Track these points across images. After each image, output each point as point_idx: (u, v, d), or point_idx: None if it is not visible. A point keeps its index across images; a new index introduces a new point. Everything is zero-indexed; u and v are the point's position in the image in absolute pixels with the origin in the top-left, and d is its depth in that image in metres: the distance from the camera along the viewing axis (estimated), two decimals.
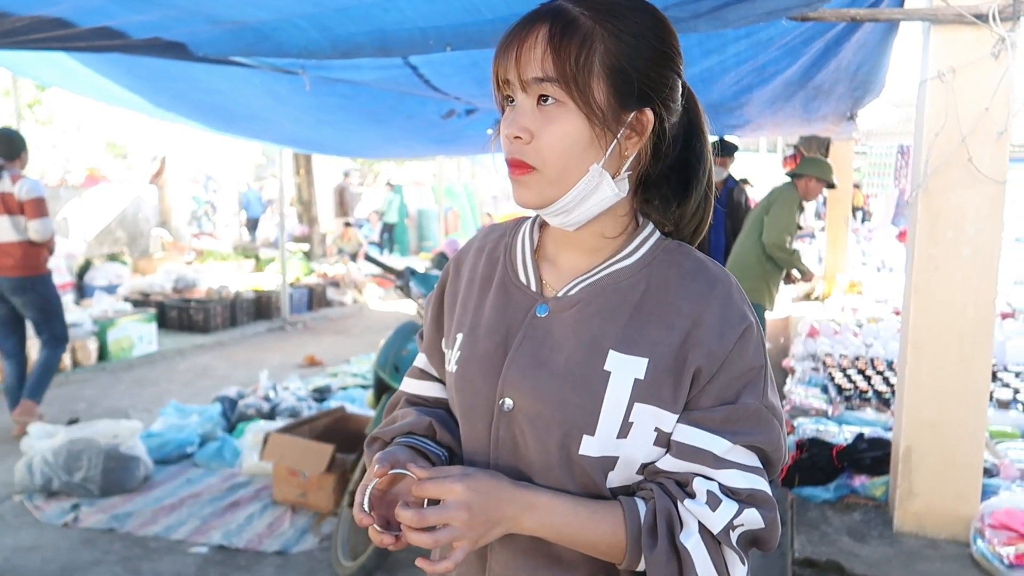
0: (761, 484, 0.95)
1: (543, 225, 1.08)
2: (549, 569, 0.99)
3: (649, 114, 0.95)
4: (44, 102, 13.64)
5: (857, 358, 4.85)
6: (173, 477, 4.34)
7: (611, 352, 0.95)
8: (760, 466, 0.96)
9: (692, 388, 0.95)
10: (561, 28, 0.91)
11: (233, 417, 5.04)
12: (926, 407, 2.67)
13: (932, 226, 2.60)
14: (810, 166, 5.25)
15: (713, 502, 0.92)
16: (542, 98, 0.92)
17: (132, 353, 7.22)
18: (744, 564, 0.95)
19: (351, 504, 3.35)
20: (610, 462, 0.96)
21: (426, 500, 0.93)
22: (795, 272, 5.38)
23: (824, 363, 4.83)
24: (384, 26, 2.61)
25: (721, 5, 2.21)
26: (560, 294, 1.01)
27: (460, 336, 1.06)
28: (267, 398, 5.23)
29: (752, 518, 0.93)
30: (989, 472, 2.95)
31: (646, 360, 0.95)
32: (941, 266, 2.60)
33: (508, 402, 0.98)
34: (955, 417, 2.64)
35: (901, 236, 10.86)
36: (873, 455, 3.01)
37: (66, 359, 6.62)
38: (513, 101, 0.95)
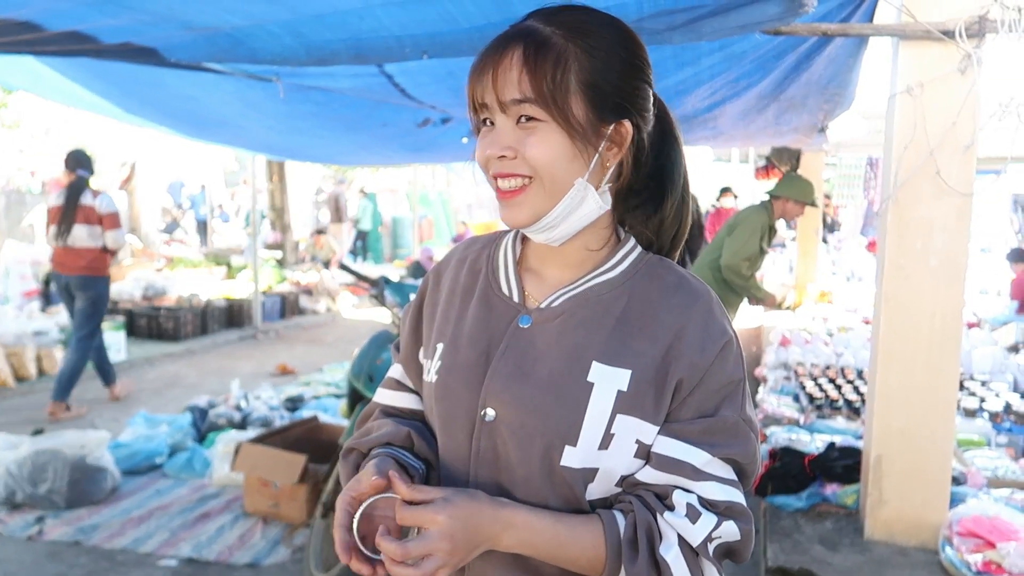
0: (738, 496, 0.97)
1: (525, 238, 1.10)
2: (525, 574, 0.99)
3: (628, 125, 0.98)
4: (11, 105, 13.39)
5: (828, 367, 4.91)
6: (142, 488, 4.26)
7: (594, 363, 0.97)
8: (735, 479, 0.98)
9: (673, 400, 0.97)
10: (535, 49, 0.93)
11: (204, 427, 4.97)
12: (895, 416, 2.71)
13: (901, 237, 2.64)
14: (789, 187, 5.07)
15: (693, 515, 0.94)
16: (522, 118, 0.94)
17: None
18: (720, 575, 0.98)
19: (324, 515, 3.31)
20: (591, 474, 0.97)
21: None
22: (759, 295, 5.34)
23: (796, 372, 4.88)
24: (360, 34, 2.60)
25: (696, 18, 2.23)
26: (543, 305, 1.03)
27: (441, 346, 1.07)
28: (238, 408, 5.17)
29: (730, 530, 0.96)
30: (957, 480, 3.00)
31: (629, 372, 0.96)
32: (910, 276, 2.64)
33: (490, 412, 0.99)
34: (924, 426, 2.68)
35: (871, 246, 11.03)
36: (844, 463, 3.04)
37: (31, 368, 6.49)
38: (490, 123, 0.97)
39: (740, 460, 0.97)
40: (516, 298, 1.05)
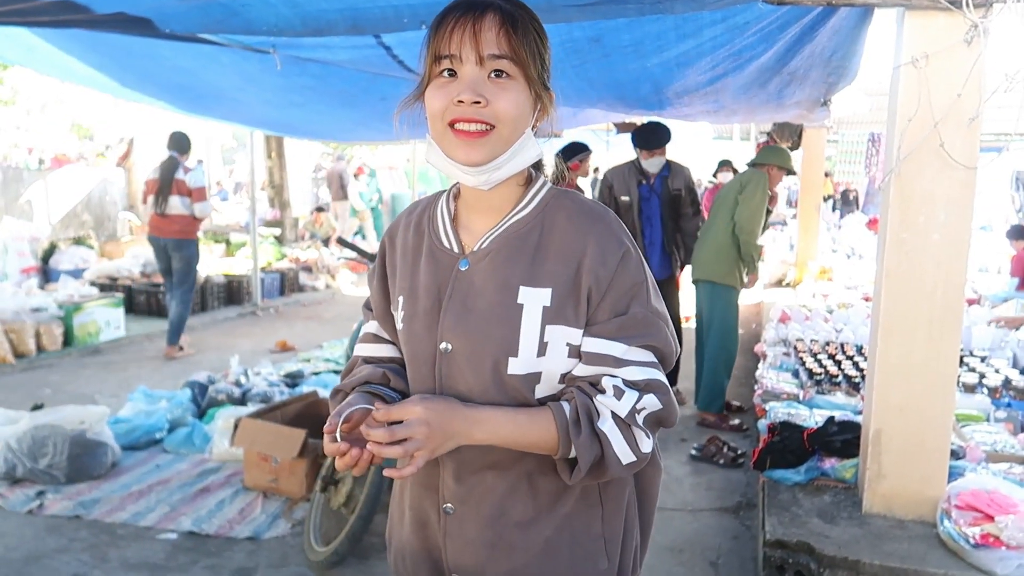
0: (656, 375, 1.17)
1: (456, 196, 1.29)
2: (492, 470, 1.20)
3: (552, 93, 1.21)
4: (6, 81, 13.28)
5: (828, 343, 4.91)
6: (141, 463, 4.27)
7: (521, 288, 1.17)
8: (655, 361, 1.18)
9: (589, 306, 1.17)
10: (511, 16, 1.12)
11: (203, 403, 4.96)
12: (895, 391, 2.71)
13: (904, 211, 2.62)
14: (770, 155, 5.22)
15: (618, 393, 1.15)
16: (494, 73, 1.12)
17: (99, 338, 7.08)
18: (649, 439, 1.17)
19: (324, 489, 3.32)
20: (535, 377, 1.17)
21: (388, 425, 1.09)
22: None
23: (795, 348, 4.88)
24: (357, 3, 2.56)
25: None
26: (476, 248, 1.22)
27: (402, 299, 1.27)
28: (238, 383, 5.16)
29: (651, 401, 1.16)
30: (955, 454, 3.00)
31: (549, 289, 1.16)
32: (912, 251, 2.63)
33: (447, 346, 1.19)
34: (923, 400, 2.68)
35: (871, 224, 11.00)
36: (843, 438, 3.05)
37: (30, 344, 6.49)
38: (452, 74, 1.12)
39: (656, 344, 1.17)
40: (455, 248, 1.23)
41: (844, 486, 2.99)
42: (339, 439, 1.12)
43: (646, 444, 1.17)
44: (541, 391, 1.18)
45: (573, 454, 1.14)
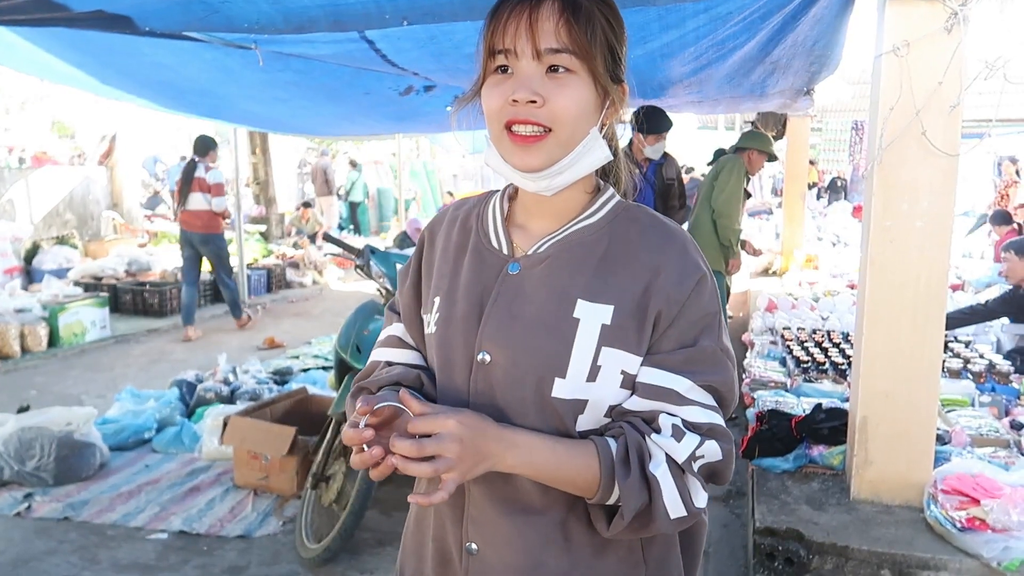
0: (719, 420, 1.03)
1: (512, 197, 1.16)
2: (523, 515, 1.05)
3: (626, 87, 1.08)
4: None
5: (814, 331, 4.94)
6: (130, 463, 4.25)
7: (579, 301, 1.03)
8: (716, 404, 1.04)
9: (654, 332, 1.03)
10: (572, 3, 0.99)
11: (192, 402, 4.94)
12: (881, 377, 2.73)
13: (887, 199, 2.64)
14: (751, 139, 5.33)
15: (678, 435, 1.00)
16: (553, 67, 1.00)
17: (84, 338, 7.04)
18: (705, 492, 1.03)
19: (314, 486, 3.32)
20: (580, 405, 1.02)
21: (417, 436, 0.96)
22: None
23: (782, 336, 4.91)
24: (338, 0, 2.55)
25: None
26: (530, 252, 1.09)
27: (438, 300, 1.12)
28: (226, 381, 5.14)
29: (712, 449, 1.01)
30: (941, 439, 3.04)
31: (612, 307, 1.02)
32: (896, 239, 2.65)
33: (485, 356, 1.05)
34: (909, 386, 2.71)
35: (856, 211, 11.07)
36: (830, 425, 3.07)
37: (15, 345, 6.43)
38: (507, 70, 1.01)
39: (719, 388, 1.03)
40: (505, 249, 1.10)
41: (832, 473, 3.01)
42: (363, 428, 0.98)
43: (700, 498, 1.02)
44: (584, 423, 1.03)
45: (612, 500, 1.00)
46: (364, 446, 0.95)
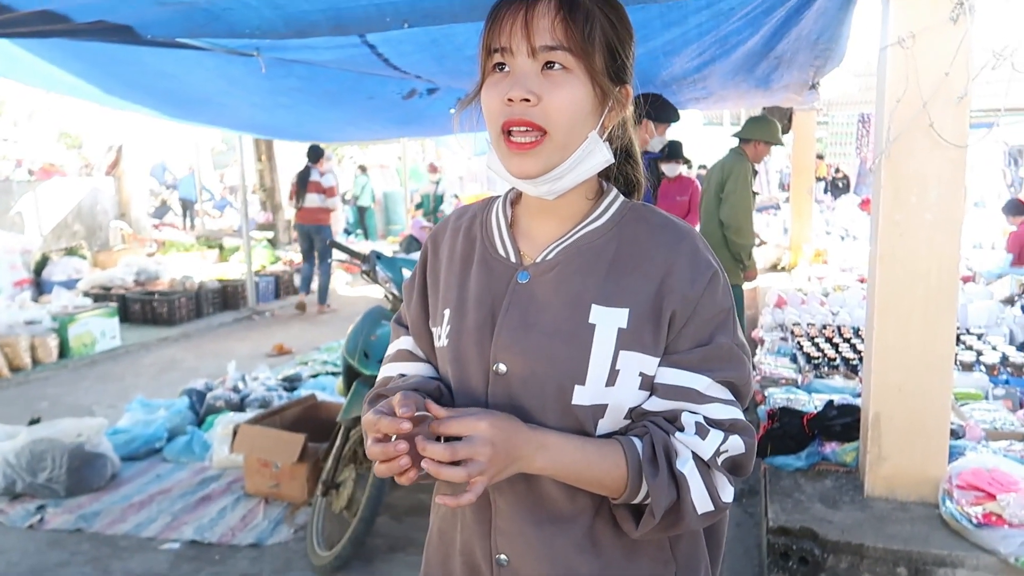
0: (739, 414, 1.04)
1: (514, 202, 1.15)
2: (551, 523, 1.05)
3: (629, 89, 1.06)
4: None
5: (824, 326, 4.90)
6: (141, 473, 4.26)
7: (594, 306, 1.02)
8: (734, 399, 1.05)
9: (670, 332, 1.03)
10: (569, 2, 0.98)
11: (202, 410, 4.95)
12: (893, 372, 2.70)
13: (896, 192, 2.61)
14: (756, 129, 5.18)
15: (702, 432, 1.01)
16: (548, 64, 0.98)
17: (94, 349, 7.06)
18: (732, 486, 1.04)
19: (325, 493, 3.31)
20: (600, 410, 1.02)
21: (442, 439, 0.94)
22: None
23: (792, 332, 4.87)
24: (339, 3, 2.54)
25: None
26: (539, 260, 1.07)
27: (447, 312, 1.11)
28: (236, 389, 5.14)
29: (735, 444, 1.02)
30: (955, 434, 3.00)
31: (627, 310, 1.02)
32: (905, 232, 2.62)
33: (501, 367, 1.04)
34: (921, 381, 2.67)
35: (864, 204, 11.00)
36: (843, 422, 3.04)
37: (25, 357, 6.46)
38: (503, 68, 1.00)
39: (736, 382, 1.04)
40: (512, 258, 1.09)
41: (845, 470, 2.98)
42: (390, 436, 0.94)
43: (727, 492, 1.03)
44: (604, 427, 1.03)
45: (639, 499, 1.01)
46: (395, 440, 0.93)
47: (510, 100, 0.97)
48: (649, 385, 1.03)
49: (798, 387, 3.87)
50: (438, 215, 14.84)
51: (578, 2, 0.99)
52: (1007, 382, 3.68)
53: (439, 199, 14.56)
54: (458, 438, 0.93)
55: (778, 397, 3.58)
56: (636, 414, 1.04)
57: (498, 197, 1.17)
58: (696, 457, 1.01)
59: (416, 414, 0.93)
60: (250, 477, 3.91)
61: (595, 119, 1.02)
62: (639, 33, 1.08)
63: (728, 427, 1.02)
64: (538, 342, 1.02)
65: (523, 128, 0.98)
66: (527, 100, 0.97)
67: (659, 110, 4.91)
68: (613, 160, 1.07)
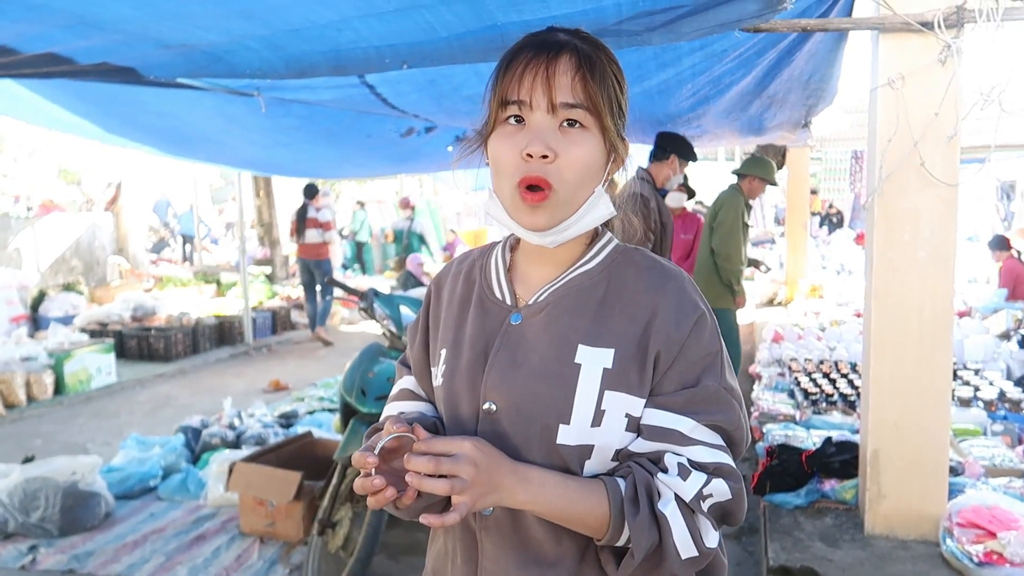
0: (726, 459, 1.03)
1: (514, 247, 1.18)
2: (536, 565, 1.05)
3: (628, 144, 1.09)
4: None
5: (821, 362, 4.91)
6: (136, 512, 4.21)
7: (580, 346, 1.04)
8: (723, 444, 1.04)
9: (655, 373, 1.03)
10: (589, 60, 1.01)
11: (197, 447, 4.91)
12: (890, 408, 2.70)
13: (888, 230, 2.64)
14: (753, 166, 5.39)
15: (684, 473, 1.00)
16: (567, 122, 1.01)
17: (90, 385, 7.03)
18: (716, 531, 1.03)
19: (321, 532, 3.28)
20: (587, 451, 1.02)
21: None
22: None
23: (790, 368, 4.87)
24: (339, 46, 2.58)
25: (674, 18, 2.22)
26: (531, 302, 1.10)
27: (444, 352, 1.14)
28: (232, 426, 5.11)
29: (720, 488, 1.01)
30: (955, 471, 2.99)
31: (612, 350, 1.03)
32: (899, 268, 2.64)
33: (491, 406, 1.05)
34: (918, 417, 2.68)
35: (859, 239, 11.07)
36: (841, 459, 3.04)
37: (20, 394, 6.42)
38: (519, 120, 1.01)
39: (725, 427, 1.03)
40: (508, 300, 1.12)
41: (845, 507, 2.97)
42: (373, 472, 0.96)
43: (711, 537, 1.01)
44: (591, 468, 1.03)
45: (622, 541, 1.00)
46: (373, 472, 0.95)
47: (529, 156, 0.99)
48: (636, 427, 1.03)
49: (796, 423, 3.87)
50: (420, 251, 14.78)
51: (596, 60, 1.01)
52: (1005, 418, 3.68)
53: (412, 235, 14.42)
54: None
55: (776, 433, 3.57)
56: (622, 455, 1.04)
57: (499, 243, 1.20)
58: (679, 499, 1.00)
59: (403, 433, 0.97)
60: (245, 516, 3.87)
61: (601, 175, 1.05)
62: (634, 73, 1.12)
63: (712, 470, 1.01)
64: (525, 381, 1.04)
65: (537, 183, 1.00)
66: (545, 157, 0.99)
67: (682, 148, 4.74)
68: (615, 213, 1.09)
